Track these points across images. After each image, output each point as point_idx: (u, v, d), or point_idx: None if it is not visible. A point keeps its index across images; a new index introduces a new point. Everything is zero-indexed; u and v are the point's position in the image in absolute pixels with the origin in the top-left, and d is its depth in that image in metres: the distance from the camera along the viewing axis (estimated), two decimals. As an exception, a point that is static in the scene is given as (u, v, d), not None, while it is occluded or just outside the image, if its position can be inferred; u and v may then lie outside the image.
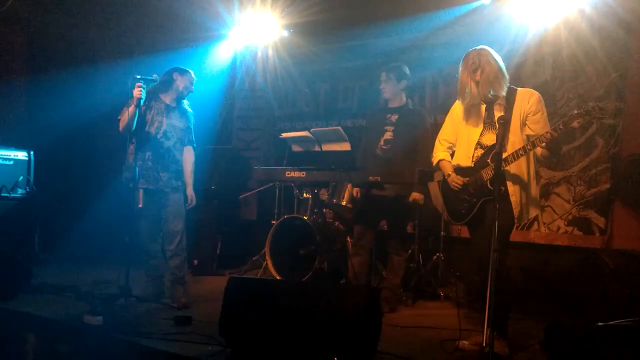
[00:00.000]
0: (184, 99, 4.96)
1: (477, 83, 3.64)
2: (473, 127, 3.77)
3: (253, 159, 7.75)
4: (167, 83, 4.88)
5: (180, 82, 4.87)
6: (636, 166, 5.23)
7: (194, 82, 4.98)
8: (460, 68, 3.73)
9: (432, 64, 6.58)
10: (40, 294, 4.81)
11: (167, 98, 4.88)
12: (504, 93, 3.66)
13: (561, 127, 3.34)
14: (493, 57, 3.67)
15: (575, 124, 3.31)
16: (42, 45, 7.18)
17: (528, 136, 3.62)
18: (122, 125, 4.71)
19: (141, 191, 4.76)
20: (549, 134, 3.37)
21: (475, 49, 3.72)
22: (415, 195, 4.85)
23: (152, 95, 4.85)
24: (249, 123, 8.04)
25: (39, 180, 6.64)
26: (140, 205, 4.75)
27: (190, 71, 4.96)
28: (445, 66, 6.49)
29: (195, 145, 5.06)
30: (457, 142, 3.90)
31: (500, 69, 3.66)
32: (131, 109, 4.62)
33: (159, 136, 4.79)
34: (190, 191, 4.94)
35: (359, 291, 3.35)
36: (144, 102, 4.76)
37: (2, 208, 6.17)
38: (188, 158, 4.97)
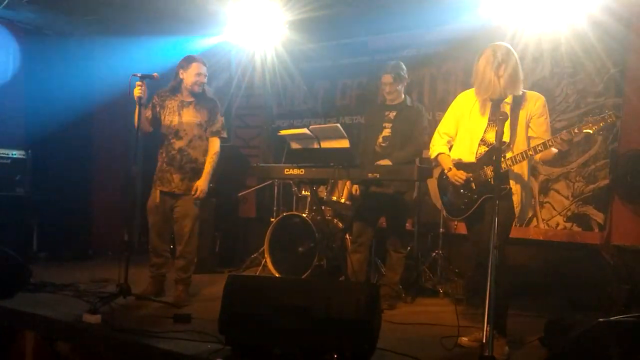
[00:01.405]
0: (199, 91, 4.77)
1: (499, 78, 3.62)
2: (477, 122, 3.75)
3: (252, 157, 7.74)
4: (176, 81, 4.79)
5: (187, 78, 4.72)
6: (635, 162, 5.23)
7: (204, 69, 4.76)
8: (482, 61, 3.67)
9: (430, 61, 6.57)
10: (39, 293, 4.80)
11: (182, 95, 4.80)
12: (521, 92, 3.66)
13: (576, 131, 3.35)
14: (514, 55, 3.66)
15: (591, 129, 3.33)
16: (39, 42, 7.16)
17: (530, 138, 3.62)
18: (136, 127, 4.68)
19: (158, 190, 4.76)
20: (563, 138, 3.36)
21: (498, 44, 3.69)
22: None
23: (169, 93, 4.81)
24: (247, 121, 8.03)
25: (37, 178, 6.63)
26: (157, 201, 4.74)
27: (196, 59, 4.75)
28: (443, 63, 6.49)
29: (221, 135, 4.85)
30: (458, 137, 3.87)
31: (519, 67, 3.66)
32: (136, 110, 4.60)
33: (170, 137, 4.75)
34: (200, 182, 4.72)
35: (358, 288, 3.34)
36: (159, 101, 4.78)
37: (1, 207, 6.17)
38: (210, 149, 4.80)
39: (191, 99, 4.79)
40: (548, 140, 3.44)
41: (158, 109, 4.79)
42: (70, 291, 4.89)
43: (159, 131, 4.86)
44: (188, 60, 4.76)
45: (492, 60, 3.62)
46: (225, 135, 4.92)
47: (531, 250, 5.76)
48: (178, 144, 4.73)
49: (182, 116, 4.76)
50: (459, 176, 3.74)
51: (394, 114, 5.00)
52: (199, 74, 4.74)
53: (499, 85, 3.61)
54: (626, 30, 5.34)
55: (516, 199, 3.60)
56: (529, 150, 3.50)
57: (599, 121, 3.31)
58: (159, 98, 4.81)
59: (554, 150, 3.47)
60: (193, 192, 4.71)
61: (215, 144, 4.82)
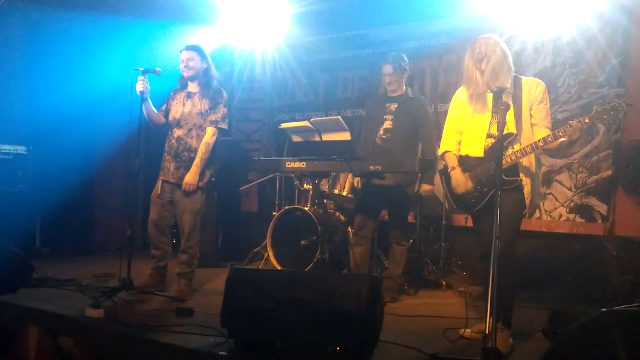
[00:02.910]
0: (190, 76, 4.75)
1: (482, 72, 3.58)
2: (481, 116, 3.71)
3: (253, 151, 7.74)
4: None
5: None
6: (638, 153, 5.21)
7: (185, 55, 4.75)
8: (467, 56, 3.66)
9: (431, 53, 6.55)
10: (42, 288, 4.80)
11: (189, 87, 4.83)
12: (509, 85, 3.62)
13: (587, 121, 3.34)
14: (500, 47, 3.60)
15: (603, 118, 3.33)
16: (41, 37, 7.15)
17: (533, 125, 3.60)
18: (149, 120, 4.77)
19: (161, 180, 4.77)
20: (575, 127, 3.34)
21: (484, 37, 3.65)
22: (426, 188, 4.86)
23: (179, 87, 4.85)
24: (248, 115, 8.02)
25: (39, 174, 6.63)
26: (158, 192, 4.74)
27: (184, 48, 4.79)
28: (445, 55, 6.47)
29: (219, 126, 4.73)
30: (465, 132, 3.83)
31: (506, 59, 3.60)
32: (143, 105, 4.63)
33: (173, 126, 4.79)
34: (187, 176, 4.62)
35: (361, 281, 3.33)
36: (172, 95, 4.83)
37: (3, 203, 6.17)
38: (204, 139, 4.69)
39: (196, 90, 4.80)
40: (558, 131, 3.40)
41: (170, 102, 4.85)
42: (73, 286, 4.89)
43: (165, 125, 4.89)
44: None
45: (476, 54, 3.60)
46: (225, 126, 4.79)
47: (534, 242, 5.74)
48: (178, 133, 4.75)
49: (186, 106, 4.78)
50: (458, 179, 3.71)
51: (396, 106, 4.97)
52: (182, 61, 4.75)
53: (482, 79, 3.58)
54: (628, 21, 5.31)
55: (527, 191, 3.58)
56: (539, 141, 3.46)
57: (609, 110, 3.28)
58: (173, 93, 4.89)
59: (563, 139, 3.43)
60: (183, 187, 4.66)
61: (209, 134, 4.71)
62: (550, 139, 3.43)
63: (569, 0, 5.43)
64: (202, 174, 4.71)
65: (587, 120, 3.33)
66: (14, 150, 6.44)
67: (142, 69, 4.55)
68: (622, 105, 3.27)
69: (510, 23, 5.66)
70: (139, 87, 4.56)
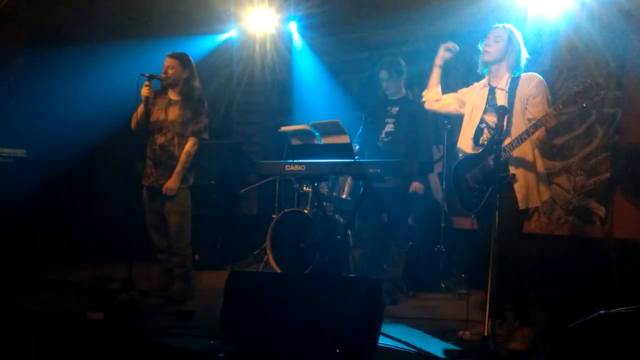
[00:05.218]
0: (171, 87, 4.79)
1: (487, 47, 3.78)
2: (476, 109, 3.81)
3: (253, 153, 7.74)
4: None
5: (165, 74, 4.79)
6: (637, 155, 5.23)
7: (166, 61, 4.78)
8: (490, 38, 3.83)
9: (430, 56, 6.53)
10: (42, 291, 4.81)
11: (170, 93, 4.85)
12: (505, 86, 3.71)
13: (560, 107, 3.39)
14: (512, 34, 3.84)
15: (575, 102, 3.37)
16: (42, 42, 7.15)
17: (529, 119, 3.62)
18: (132, 123, 4.75)
19: (144, 185, 4.80)
20: (549, 114, 3.40)
21: (505, 25, 3.87)
22: (416, 185, 4.85)
23: (161, 90, 4.85)
24: (248, 117, 8.03)
25: (39, 177, 6.63)
26: (144, 198, 4.79)
27: (168, 54, 4.80)
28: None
29: (202, 136, 4.82)
30: (463, 124, 3.90)
31: (519, 47, 3.82)
32: (140, 108, 4.66)
33: (155, 132, 4.79)
34: (169, 182, 4.67)
35: (360, 283, 3.35)
36: (152, 99, 4.78)
37: (3, 206, 6.18)
38: (185, 148, 4.75)
39: (178, 98, 4.82)
40: (538, 121, 3.44)
41: (150, 106, 4.82)
42: (73, 289, 4.90)
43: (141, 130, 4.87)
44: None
45: (496, 37, 3.81)
46: (206, 136, 4.86)
47: (532, 244, 5.75)
48: (160, 140, 4.76)
49: (168, 113, 4.78)
50: None
51: (397, 109, 4.98)
52: (163, 67, 4.77)
53: (487, 57, 3.79)
54: (626, 23, 5.32)
55: (519, 183, 3.58)
56: (523, 134, 3.49)
57: (581, 92, 3.35)
58: (153, 97, 4.84)
59: (543, 127, 3.46)
60: (163, 190, 4.70)
61: (190, 143, 4.78)
62: (531, 130, 3.47)
63: (567, 3, 5.44)
64: (184, 178, 4.76)
65: (560, 106, 3.38)
66: (13, 153, 6.44)
67: (147, 75, 4.59)
68: (592, 85, 3.33)
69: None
70: (145, 92, 4.61)
